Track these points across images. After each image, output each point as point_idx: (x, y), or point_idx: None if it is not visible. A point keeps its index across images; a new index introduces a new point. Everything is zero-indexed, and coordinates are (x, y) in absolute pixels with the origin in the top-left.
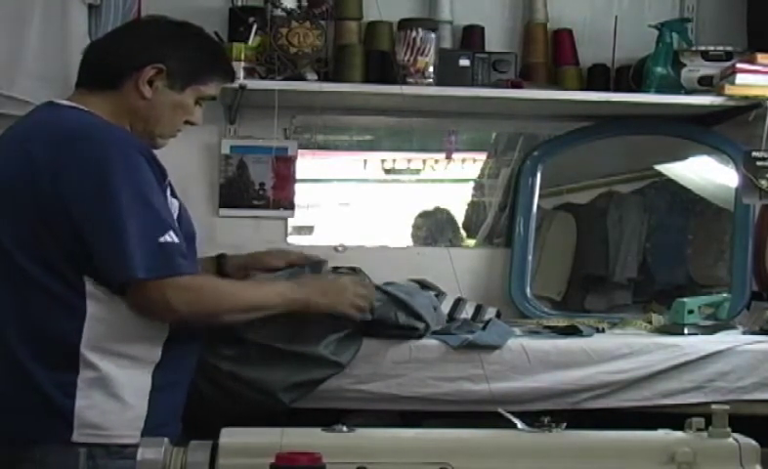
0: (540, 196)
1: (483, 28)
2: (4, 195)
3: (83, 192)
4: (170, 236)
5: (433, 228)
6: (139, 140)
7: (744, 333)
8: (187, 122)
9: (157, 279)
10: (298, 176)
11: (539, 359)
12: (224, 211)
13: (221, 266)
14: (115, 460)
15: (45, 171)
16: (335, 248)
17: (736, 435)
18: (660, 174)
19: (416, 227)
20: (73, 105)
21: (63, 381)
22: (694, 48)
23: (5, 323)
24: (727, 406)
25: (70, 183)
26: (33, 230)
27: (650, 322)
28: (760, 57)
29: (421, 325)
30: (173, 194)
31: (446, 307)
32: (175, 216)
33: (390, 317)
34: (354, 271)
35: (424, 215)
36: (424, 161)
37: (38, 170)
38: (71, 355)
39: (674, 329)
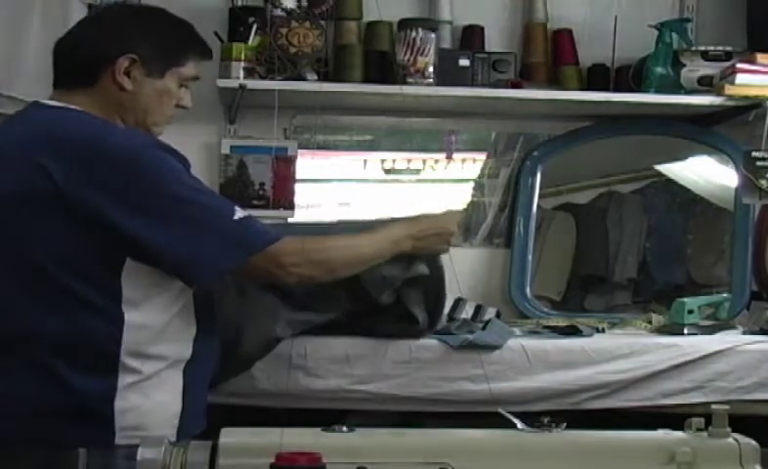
0: (540, 196)
1: (483, 28)
2: (31, 208)
3: (133, 205)
4: (239, 211)
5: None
6: (151, 136)
7: (744, 333)
8: (178, 106)
9: (260, 252)
10: (298, 176)
11: (539, 359)
12: None
13: None
14: None
15: (70, 183)
16: None
17: (736, 435)
18: (660, 174)
19: None
20: (68, 106)
21: (102, 387)
22: (694, 48)
23: (39, 333)
24: (727, 406)
25: (108, 194)
26: (66, 241)
27: (650, 322)
28: (760, 57)
29: (422, 318)
30: None
31: (446, 307)
32: None
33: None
34: None
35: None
36: (424, 161)
37: (62, 182)
38: (112, 362)
39: (674, 329)
